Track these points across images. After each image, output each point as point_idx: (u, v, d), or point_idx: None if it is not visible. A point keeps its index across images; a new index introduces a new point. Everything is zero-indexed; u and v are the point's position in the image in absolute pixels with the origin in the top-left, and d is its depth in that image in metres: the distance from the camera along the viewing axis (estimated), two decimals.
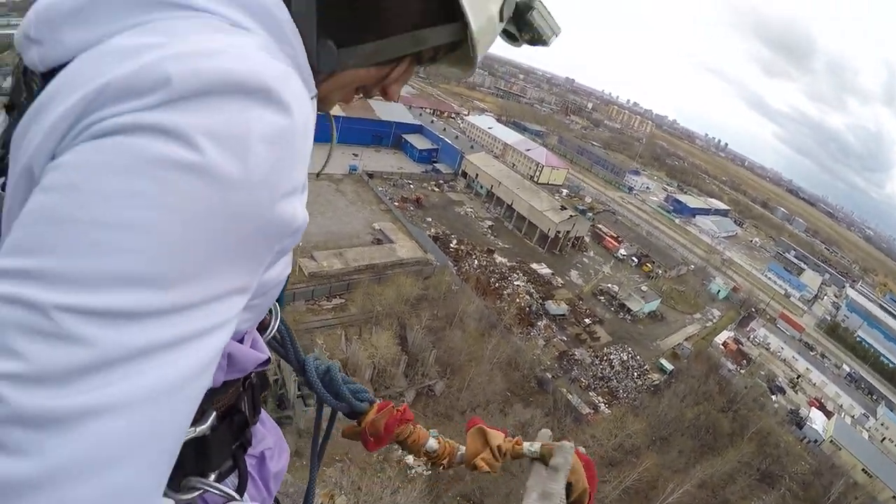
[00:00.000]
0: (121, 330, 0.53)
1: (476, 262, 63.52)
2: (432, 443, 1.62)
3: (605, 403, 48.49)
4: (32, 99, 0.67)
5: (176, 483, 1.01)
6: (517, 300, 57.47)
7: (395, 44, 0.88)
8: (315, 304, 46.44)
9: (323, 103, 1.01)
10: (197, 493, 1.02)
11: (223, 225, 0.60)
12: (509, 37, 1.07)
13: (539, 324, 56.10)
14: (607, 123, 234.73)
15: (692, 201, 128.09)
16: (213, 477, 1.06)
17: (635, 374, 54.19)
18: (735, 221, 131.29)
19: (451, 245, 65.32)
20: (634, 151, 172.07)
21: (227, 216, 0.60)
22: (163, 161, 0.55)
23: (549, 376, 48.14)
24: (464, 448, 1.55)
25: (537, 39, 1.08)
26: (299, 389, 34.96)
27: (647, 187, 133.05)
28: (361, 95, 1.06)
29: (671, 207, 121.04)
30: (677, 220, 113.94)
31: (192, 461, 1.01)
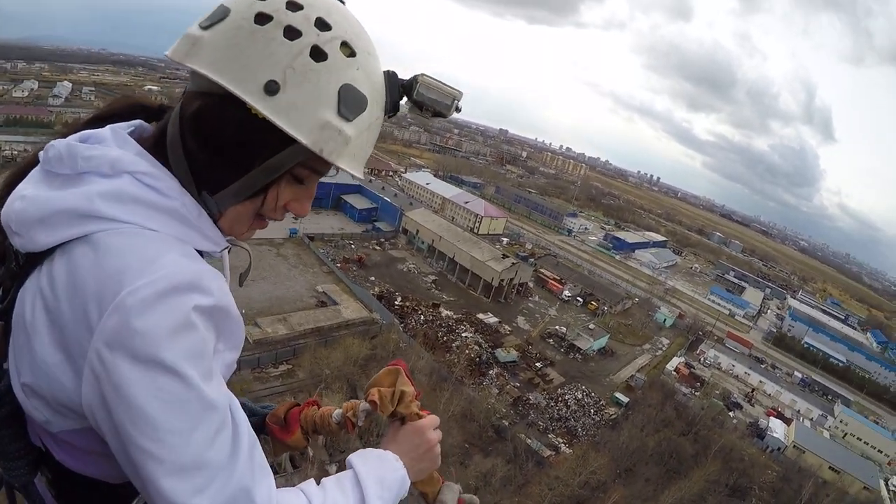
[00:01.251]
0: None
1: (422, 317, 63.15)
2: (338, 412, 1.57)
3: (566, 443, 48.06)
4: (20, 265, 1.03)
5: None
6: (466, 351, 57.01)
7: (253, 178, 1.05)
8: (262, 372, 45.61)
9: (235, 234, 1.22)
10: None
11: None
12: (420, 114, 1.19)
13: (491, 373, 55.72)
14: (542, 170, 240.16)
15: (630, 237, 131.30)
16: None
17: (592, 410, 53.94)
18: (673, 251, 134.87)
19: (396, 302, 64.92)
20: (570, 194, 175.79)
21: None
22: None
23: (506, 423, 47.67)
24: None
25: (437, 112, 1.19)
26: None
27: (586, 228, 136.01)
28: (272, 220, 1.22)
29: (610, 245, 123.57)
30: (618, 257, 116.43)
31: None
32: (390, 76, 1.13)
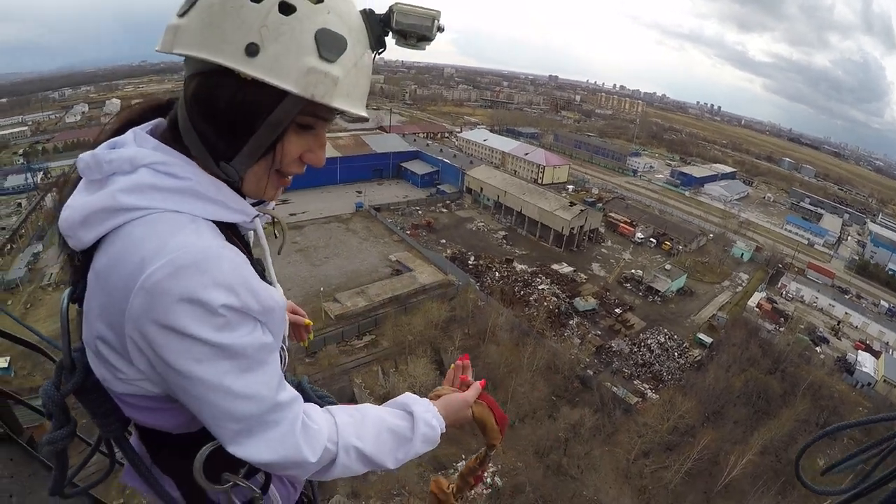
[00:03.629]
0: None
1: (497, 274, 63.92)
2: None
3: (652, 389, 48.07)
4: (81, 263, 1.20)
5: (215, 476, 1.34)
6: (545, 304, 57.62)
7: (260, 138, 1.16)
8: (346, 345, 46.92)
9: (261, 195, 1.32)
10: (228, 485, 1.37)
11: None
12: (406, 43, 1.29)
13: (571, 323, 56.21)
14: (598, 112, 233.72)
15: (697, 171, 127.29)
16: (241, 473, 1.39)
17: (676, 353, 53.61)
18: (744, 181, 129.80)
19: (470, 262, 65.74)
20: (631, 134, 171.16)
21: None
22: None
23: (591, 373, 48.15)
24: None
25: (422, 37, 1.28)
26: None
27: (651, 166, 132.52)
28: (291, 174, 1.31)
29: (678, 181, 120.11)
30: (687, 193, 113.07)
31: (228, 461, 1.27)
32: (367, 13, 1.22)
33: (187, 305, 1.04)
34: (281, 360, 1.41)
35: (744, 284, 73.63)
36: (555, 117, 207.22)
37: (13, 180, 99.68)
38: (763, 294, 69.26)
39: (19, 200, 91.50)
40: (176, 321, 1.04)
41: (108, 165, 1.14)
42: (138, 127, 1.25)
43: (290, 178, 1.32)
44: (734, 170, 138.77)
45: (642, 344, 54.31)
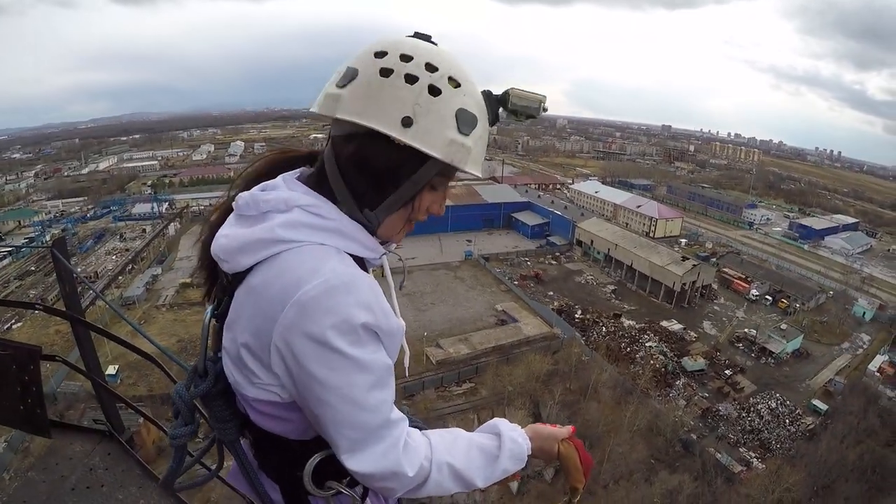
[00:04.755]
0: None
1: (604, 328, 63.94)
2: None
3: (758, 458, 46.37)
4: (230, 285, 1.42)
5: (320, 483, 1.55)
6: (651, 362, 57.01)
7: (403, 192, 1.40)
8: (445, 391, 48.28)
9: (391, 238, 1.56)
10: (332, 492, 1.57)
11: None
12: (517, 118, 1.57)
13: (677, 383, 55.37)
14: (713, 162, 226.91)
15: (817, 223, 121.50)
16: (345, 482, 1.58)
17: (787, 420, 51.45)
18: (867, 233, 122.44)
19: (577, 315, 66.09)
20: (746, 184, 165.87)
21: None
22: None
23: (694, 437, 47.06)
24: None
25: (529, 115, 1.56)
26: None
27: (768, 219, 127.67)
28: (417, 221, 1.56)
29: (797, 234, 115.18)
30: (806, 247, 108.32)
31: (332, 471, 1.51)
32: (487, 95, 1.48)
33: (335, 320, 1.23)
34: None
35: (865, 346, 69.42)
36: (668, 168, 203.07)
37: (140, 208, 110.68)
38: (885, 357, 65.10)
39: (144, 227, 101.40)
40: (323, 333, 1.22)
41: (264, 204, 1.37)
42: (287, 173, 1.51)
43: (413, 224, 1.58)
44: (856, 220, 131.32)
45: (751, 409, 52.49)
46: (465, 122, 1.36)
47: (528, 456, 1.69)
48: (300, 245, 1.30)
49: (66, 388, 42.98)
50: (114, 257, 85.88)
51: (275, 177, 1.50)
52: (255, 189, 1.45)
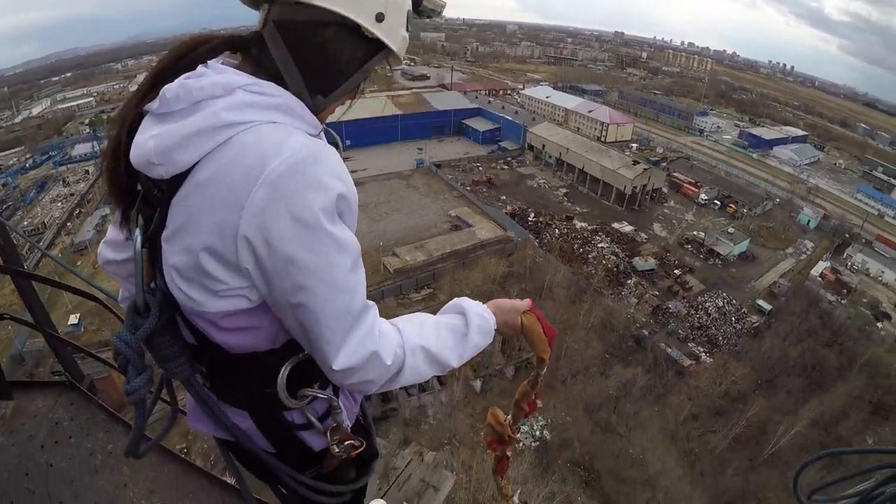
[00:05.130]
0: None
1: (557, 231, 64.14)
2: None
3: (706, 353, 47.85)
4: (164, 194, 1.25)
5: (294, 392, 1.50)
6: (603, 262, 57.64)
7: (354, 80, 1.42)
8: (404, 298, 48.03)
9: (323, 120, 1.52)
10: (308, 399, 1.55)
11: None
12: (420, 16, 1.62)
13: (629, 282, 56.28)
14: (665, 70, 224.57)
15: (767, 133, 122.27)
16: (316, 386, 1.57)
17: (733, 318, 53.02)
18: (815, 146, 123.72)
19: (530, 219, 66.07)
20: (699, 92, 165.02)
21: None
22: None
23: (646, 333, 48.23)
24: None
25: (433, 13, 1.63)
26: None
27: (718, 126, 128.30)
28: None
29: (746, 143, 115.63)
30: (755, 155, 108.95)
31: (304, 378, 1.50)
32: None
33: (310, 194, 1.16)
34: None
35: (808, 253, 71.52)
36: (620, 74, 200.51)
37: (80, 149, 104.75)
38: (827, 264, 67.12)
39: (87, 168, 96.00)
40: (299, 210, 1.15)
41: (198, 93, 1.24)
42: (210, 62, 1.38)
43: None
44: (805, 133, 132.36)
45: (700, 307, 53.92)
46: (410, 21, 1.47)
47: (495, 330, 1.67)
48: (252, 125, 1.22)
49: (33, 346, 41.43)
50: (59, 204, 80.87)
51: (194, 69, 1.33)
52: (180, 79, 1.29)
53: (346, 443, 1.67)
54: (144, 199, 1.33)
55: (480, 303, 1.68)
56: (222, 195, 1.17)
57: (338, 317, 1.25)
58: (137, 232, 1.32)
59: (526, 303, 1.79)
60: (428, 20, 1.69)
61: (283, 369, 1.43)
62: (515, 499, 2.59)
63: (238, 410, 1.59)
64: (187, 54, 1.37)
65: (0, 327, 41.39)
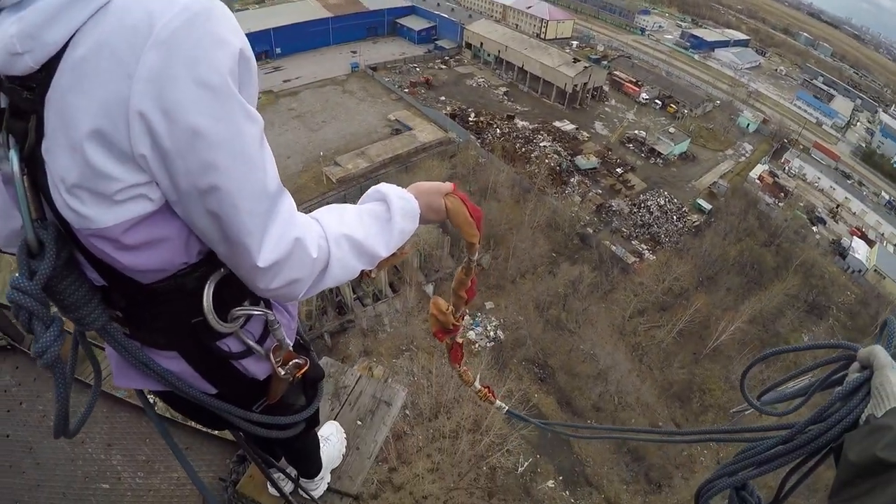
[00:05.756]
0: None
1: (498, 130, 62.80)
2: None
3: (649, 250, 48.56)
4: (34, 92, 1.01)
5: (224, 316, 1.35)
6: (546, 161, 57.06)
7: None
8: None
9: None
10: (241, 320, 1.40)
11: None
12: None
13: (572, 181, 55.91)
14: None
15: (709, 35, 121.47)
16: (247, 303, 1.41)
17: (675, 217, 53.61)
18: (757, 51, 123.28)
19: (471, 119, 64.45)
20: None
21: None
22: None
23: (591, 231, 48.44)
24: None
25: None
26: (354, 292, 36.03)
27: (660, 26, 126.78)
28: None
29: (688, 44, 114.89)
30: (696, 57, 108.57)
31: (232, 296, 1.34)
32: None
33: (213, 51, 1.00)
34: None
35: (747, 155, 72.39)
36: None
37: None
38: (765, 167, 68.30)
39: None
40: (202, 71, 0.98)
41: None
42: None
43: None
44: (748, 38, 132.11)
45: (642, 205, 54.18)
46: None
47: (419, 214, 1.59)
48: None
49: None
50: None
51: None
52: None
53: (291, 362, 1.60)
54: (12, 110, 1.07)
55: (401, 187, 1.56)
56: (106, 66, 0.97)
57: (255, 198, 1.10)
58: (13, 153, 1.08)
59: (448, 185, 1.66)
60: None
61: (206, 288, 1.30)
62: (477, 384, 2.59)
63: (167, 353, 1.44)
64: None
65: None
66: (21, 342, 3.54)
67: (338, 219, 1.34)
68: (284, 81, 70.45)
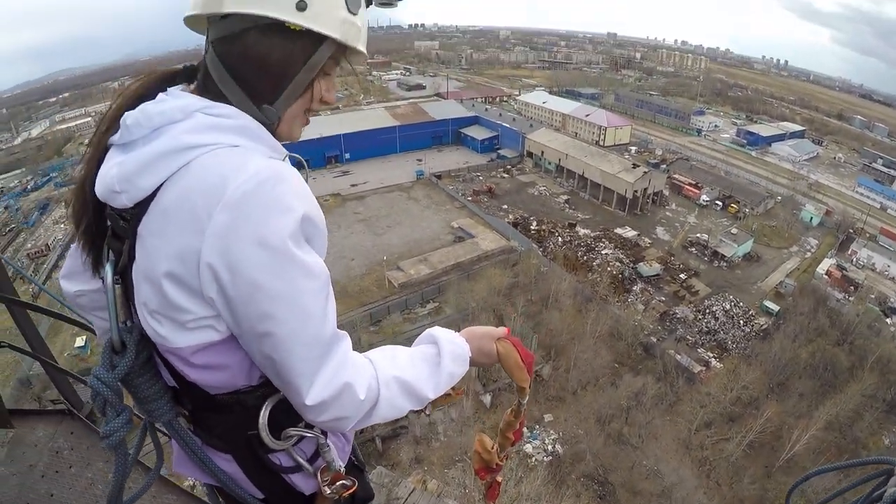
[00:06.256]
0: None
1: (560, 238, 63.97)
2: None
3: (716, 358, 47.42)
4: (129, 224, 1.24)
5: (278, 433, 1.46)
6: (608, 269, 57.55)
7: (300, 80, 1.34)
8: (410, 313, 47.93)
9: (291, 137, 1.46)
10: (294, 440, 1.51)
11: None
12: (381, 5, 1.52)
13: (634, 288, 55.92)
14: (660, 69, 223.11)
15: (764, 129, 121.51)
16: (302, 425, 1.50)
17: (741, 321, 52.53)
18: (813, 141, 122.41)
19: (532, 227, 65.92)
20: (694, 91, 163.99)
21: None
22: None
23: (654, 340, 47.87)
24: None
25: (386, 3, 1.52)
26: None
27: (716, 125, 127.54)
28: (313, 114, 1.50)
29: (744, 141, 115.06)
30: (754, 153, 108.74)
31: (289, 417, 1.43)
32: None
33: (274, 216, 1.12)
34: None
35: (812, 250, 70.95)
36: (615, 76, 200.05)
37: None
38: (832, 261, 66.54)
39: None
40: (263, 232, 1.11)
41: (158, 117, 1.23)
42: (169, 90, 1.38)
43: (309, 118, 1.51)
44: (803, 128, 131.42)
45: (707, 311, 53.48)
46: (353, 2, 1.35)
47: (470, 358, 1.64)
48: (212, 148, 1.21)
49: (39, 369, 41.15)
50: (62, 226, 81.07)
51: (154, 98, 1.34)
52: (140, 106, 1.29)
53: (338, 483, 1.62)
54: (113, 232, 1.31)
55: (453, 331, 1.64)
56: (184, 219, 1.14)
57: (309, 345, 1.22)
58: (108, 267, 1.32)
59: (501, 330, 1.73)
60: (388, 8, 1.56)
61: (264, 408, 1.41)
62: None
63: (222, 454, 1.54)
64: (146, 86, 1.39)
65: (5, 352, 41.26)
66: (80, 409, 3.72)
67: (390, 360, 1.45)
68: (352, 185, 74.11)
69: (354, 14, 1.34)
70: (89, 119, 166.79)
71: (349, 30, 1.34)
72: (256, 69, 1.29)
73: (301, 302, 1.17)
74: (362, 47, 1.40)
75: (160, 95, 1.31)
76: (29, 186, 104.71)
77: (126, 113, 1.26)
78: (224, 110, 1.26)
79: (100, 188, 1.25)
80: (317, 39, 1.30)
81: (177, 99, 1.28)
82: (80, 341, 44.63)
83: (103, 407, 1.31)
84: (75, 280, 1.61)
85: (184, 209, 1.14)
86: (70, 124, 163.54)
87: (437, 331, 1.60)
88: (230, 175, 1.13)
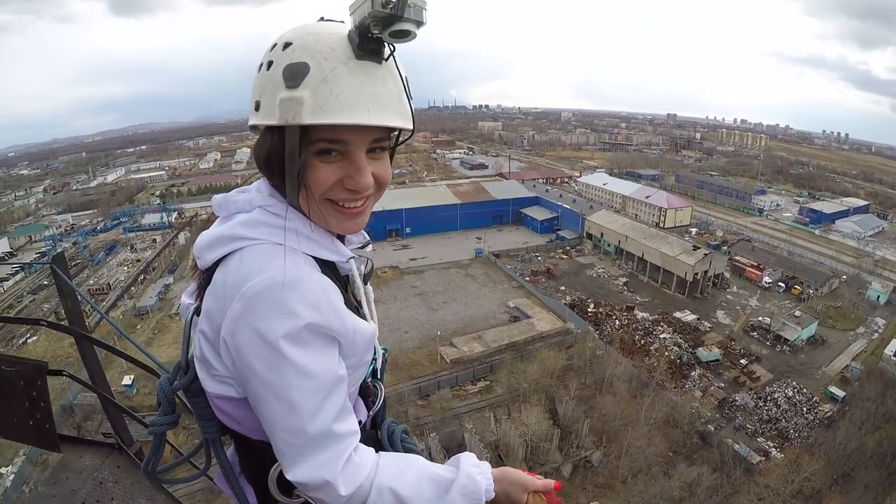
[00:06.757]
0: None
1: (617, 321, 63.78)
2: None
3: (776, 447, 45.87)
4: (205, 280, 1.47)
5: (288, 490, 1.51)
6: (665, 354, 56.76)
7: (290, 171, 1.34)
8: (460, 390, 48.39)
9: (330, 227, 1.47)
10: (300, 501, 1.53)
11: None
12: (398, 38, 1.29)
13: (693, 374, 55.08)
14: (720, 149, 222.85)
15: (827, 206, 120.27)
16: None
17: (804, 409, 50.88)
18: (878, 215, 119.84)
19: (590, 309, 66.00)
20: (755, 170, 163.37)
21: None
22: None
23: (712, 428, 46.76)
24: None
25: (398, 34, 1.27)
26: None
27: (778, 204, 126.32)
28: (342, 201, 1.42)
29: (807, 219, 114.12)
30: (817, 231, 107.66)
31: None
32: (350, 31, 1.31)
33: (276, 317, 1.24)
34: (375, 396, 1.75)
35: (880, 330, 68.27)
36: (675, 157, 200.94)
37: (150, 218, 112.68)
38: None
39: (154, 237, 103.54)
40: (263, 328, 1.24)
41: (233, 205, 1.48)
42: (263, 178, 1.54)
43: (355, 207, 1.46)
44: (867, 203, 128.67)
45: (768, 398, 52.06)
46: (290, 75, 1.29)
47: (489, 501, 1.51)
48: (258, 243, 1.35)
49: (83, 399, 43.18)
50: (125, 268, 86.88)
51: None
52: (232, 192, 1.53)
53: None
54: (202, 281, 1.55)
55: (487, 464, 1.54)
56: (220, 296, 1.34)
57: (291, 434, 1.31)
58: (192, 308, 1.61)
59: (543, 483, 1.56)
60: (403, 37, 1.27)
61: (274, 466, 1.49)
62: None
63: (249, 486, 1.66)
64: None
65: (52, 378, 42.94)
66: (129, 446, 3.82)
67: (398, 470, 1.43)
68: (411, 259, 76.51)
69: (294, 87, 1.28)
70: (162, 173, 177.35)
71: (288, 108, 1.28)
72: (265, 165, 1.45)
73: (287, 395, 1.27)
74: (314, 118, 1.27)
75: (255, 182, 1.56)
76: (99, 227, 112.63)
77: (215, 196, 1.58)
78: (279, 210, 1.42)
79: (193, 247, 1.54)
80: (280, 130, 1.33)
81: (253, 192, 1.49)
82: (127, 380, 46.83)
83: (159, 405, 1.65)
84: (191, 299, 1.76)
85: (222, 289, 1.34)
86: (143, 175, 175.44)
87: (465, 457, 1.53)
88: (254, 272, 1.28)
